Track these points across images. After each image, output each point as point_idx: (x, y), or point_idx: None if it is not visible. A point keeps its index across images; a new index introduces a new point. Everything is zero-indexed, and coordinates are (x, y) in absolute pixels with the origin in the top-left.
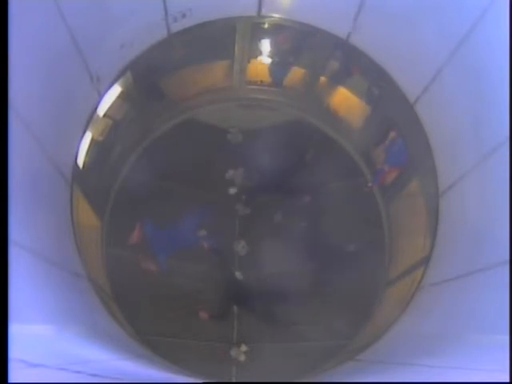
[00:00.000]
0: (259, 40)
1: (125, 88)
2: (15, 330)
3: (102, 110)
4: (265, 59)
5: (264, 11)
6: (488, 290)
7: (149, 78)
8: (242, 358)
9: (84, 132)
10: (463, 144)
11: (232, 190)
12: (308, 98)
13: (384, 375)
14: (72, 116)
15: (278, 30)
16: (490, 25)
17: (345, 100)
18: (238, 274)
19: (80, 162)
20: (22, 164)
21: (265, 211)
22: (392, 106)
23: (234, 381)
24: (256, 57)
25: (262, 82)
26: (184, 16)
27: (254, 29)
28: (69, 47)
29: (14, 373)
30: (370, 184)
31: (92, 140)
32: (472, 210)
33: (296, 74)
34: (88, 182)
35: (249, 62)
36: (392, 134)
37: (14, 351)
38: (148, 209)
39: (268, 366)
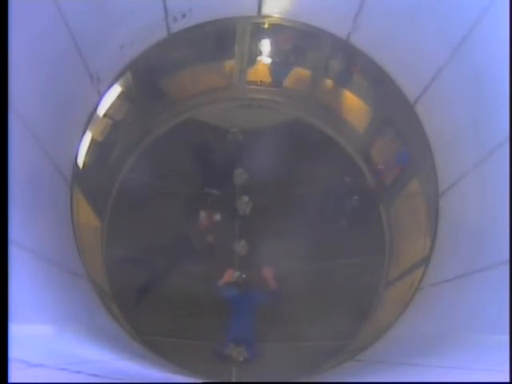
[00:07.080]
0: (259, 40)
1: (125, 88)
2: (15, 330)
3: (102, 110)
4: (265, 59)
5: (264, 11)
6: (488, 290)
7: (149, 78)
8: (242, 358)
9: (84, 132)
10: (463, 144)
11: (232, 190)
12: (308, 98)
13: (384, 375)
14: (72, 116)
15: (278, 29)
16: (490, 25)
17: (345, 100)
18: (238, 274)
19: (80, 161)
20: (22, 164)
21: (265, 211)
22: (392, 106)
23: (233, 381)
24: (256, 57)
25: (262, 82)
26: (184, 16)
27: (254, 29)
28: (69, 48)
29: (14, 373)
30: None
31: (92, 140)
32: (472, 210)
33: (296, 74)
34: (88, 182)
35: (249, 61)
36: (392, 134)
37: (14, 351)
38: (148, 209)
39: (268, 365)
